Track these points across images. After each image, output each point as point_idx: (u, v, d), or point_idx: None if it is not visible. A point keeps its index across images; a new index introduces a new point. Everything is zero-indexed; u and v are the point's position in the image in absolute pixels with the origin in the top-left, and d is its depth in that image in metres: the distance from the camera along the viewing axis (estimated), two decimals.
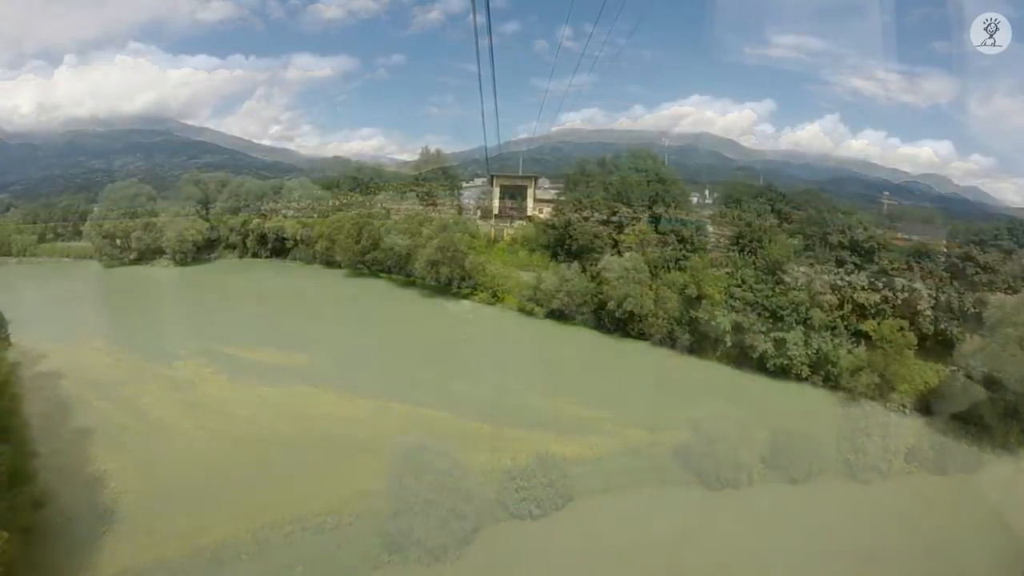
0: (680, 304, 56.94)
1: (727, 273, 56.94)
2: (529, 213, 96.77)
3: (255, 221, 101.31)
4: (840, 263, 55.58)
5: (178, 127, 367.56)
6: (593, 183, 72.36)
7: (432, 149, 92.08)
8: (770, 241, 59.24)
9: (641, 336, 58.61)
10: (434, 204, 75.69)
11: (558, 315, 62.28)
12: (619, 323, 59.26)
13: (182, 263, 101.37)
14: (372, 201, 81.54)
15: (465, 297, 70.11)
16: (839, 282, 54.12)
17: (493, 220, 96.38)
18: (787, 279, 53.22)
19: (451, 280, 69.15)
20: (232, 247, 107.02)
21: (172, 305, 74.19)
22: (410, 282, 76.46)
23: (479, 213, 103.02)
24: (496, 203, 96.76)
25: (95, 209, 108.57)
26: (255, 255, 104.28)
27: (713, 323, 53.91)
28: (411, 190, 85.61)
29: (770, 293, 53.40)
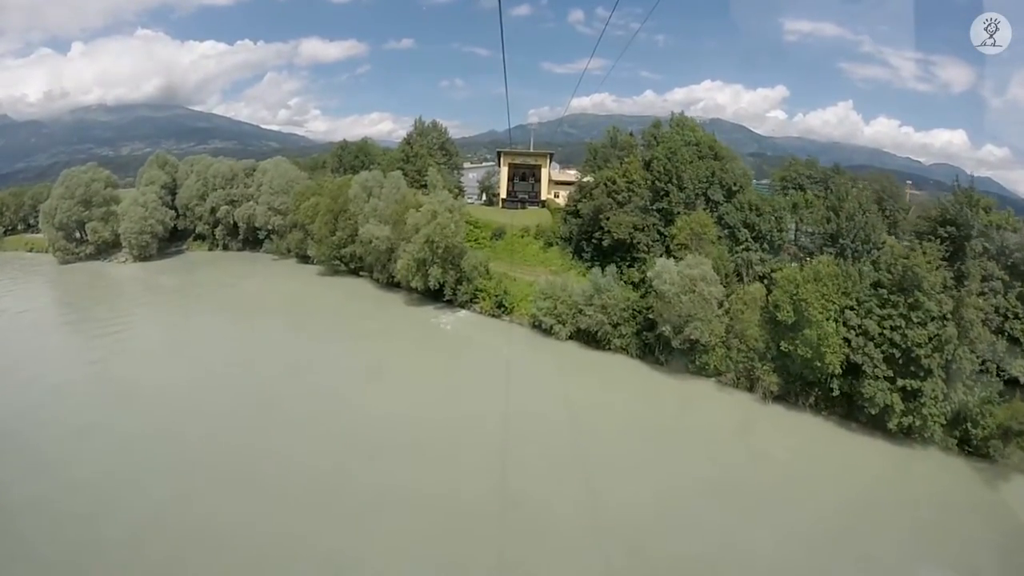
0: (765, 331, 38.42)
1: (835, 290, 37.91)
2: (543, 197, 78.08)
3: (223, 208, 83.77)
4: (985, 279, 36.76)
5: (186, 113, 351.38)
6: (629, 158, 53.13)
7: (428, 121, 73.15)
8: (882, 244, 40.52)
9: (702, 370, 40.24)
10: (424, 186, 56.99)
11: (586, 337, 43.96)
12: (673, 351, 40.87)
13: (142, 258, 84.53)
14: (348, 183, 63.28)
15: (463, 306, 52.06)
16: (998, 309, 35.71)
17: (500, 205, 78.01)
18: (928, 304, 34.08)
19: (443, 285, 50.92)
20: (202, 238, 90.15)
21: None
22: (397, 283, 58.26)
23: (484, 198, 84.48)
24: (504, 185, 78.05)
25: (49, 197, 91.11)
26: (226, 247, 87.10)
27: (818, 363, 35.37)
28: (400, 168, 66.96)
29: (899, 323, 34.48)
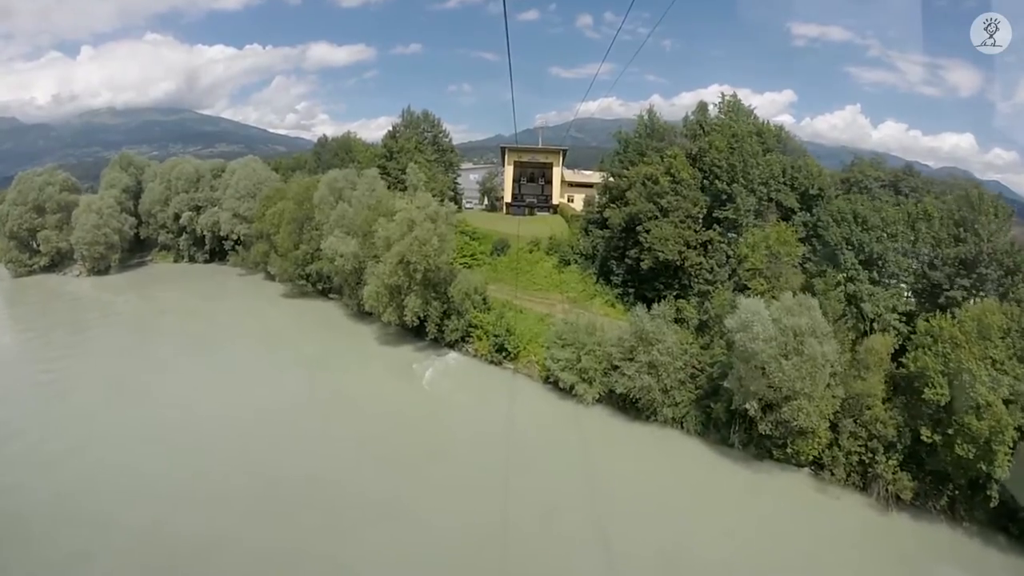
0: (894, 408, 24.01)
1: (1008, 352, 23.31)
2: (555, 201, 63.79)
3: (186, 214, 70.36)
4: None
5: (195, 117, 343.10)
6: (669, 150, 38.56)
7: (418, 111, 59.05)
8: None
9: (791, 457, 25.85)
10: (404, 186, 42.73)
11: (623, 401, 29.52)
12: (753, 431, 26.43)
13: (97, 271, 71.47)
14: (314, 184, 49.50)
15: (452, 345, 37.89)
16: None
17: (505, 210, 64.00)
18: None
19: (424, 319, 36.78)
20: (168, 248, 76.90)
21: None
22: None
23: (486, 202, 70.32)
24: (509, 187, 63.85)
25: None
26: (192, 259, 73.74)
27: (983, 465, 21.02)
28: (381, 165, 53.02)
29: None
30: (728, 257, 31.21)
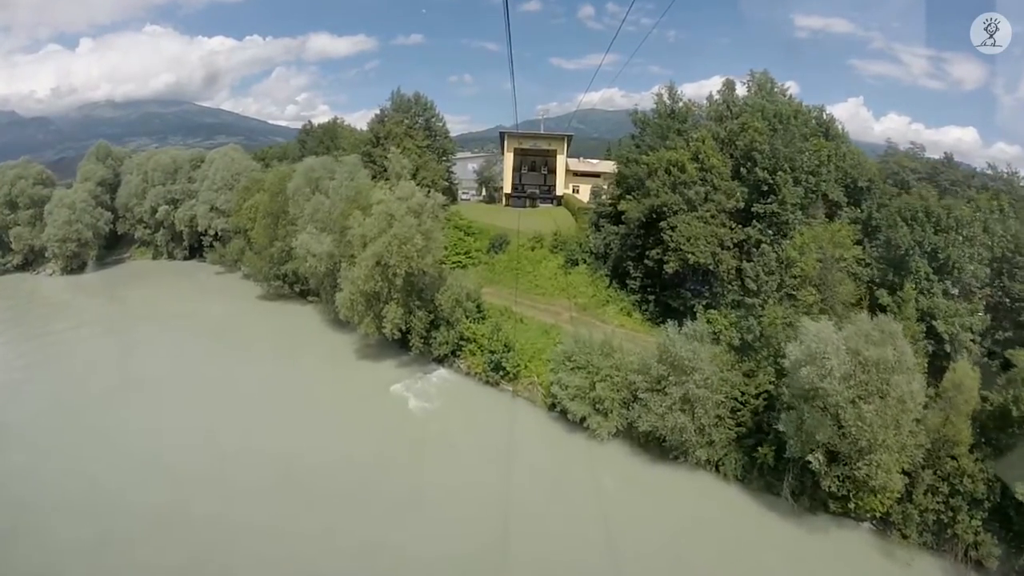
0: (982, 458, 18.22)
1: None
2: (559, 192, 57.54)
3: (162, 208, 64.49)
4: None
5: (195, 109, 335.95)
6: (695, 132, 32.30)
7: (409, 94, 52.57)
8: None
9: (851, 510, 20.13)
10: (386, 174, 36.54)
11: (645, 437, 23.66)
12: (807, 483, 20.64)
13: (71, 270, 66.07)
14: (290, 173, 43.50)
15: (441, 360, 32.05)
16: None
17: (504, 202, 57.79)
18: None
19: (408, 331, 30.94)
20: (147, 245, 71.19)
21: None
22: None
23: (483, 193, 64.05)
24: (509, 177, 57.56)
25: None
26: (171, 255, 68.09)
27: None
28: (366, 152, 46.86)
29: None
30: (779, 262, 25.05)
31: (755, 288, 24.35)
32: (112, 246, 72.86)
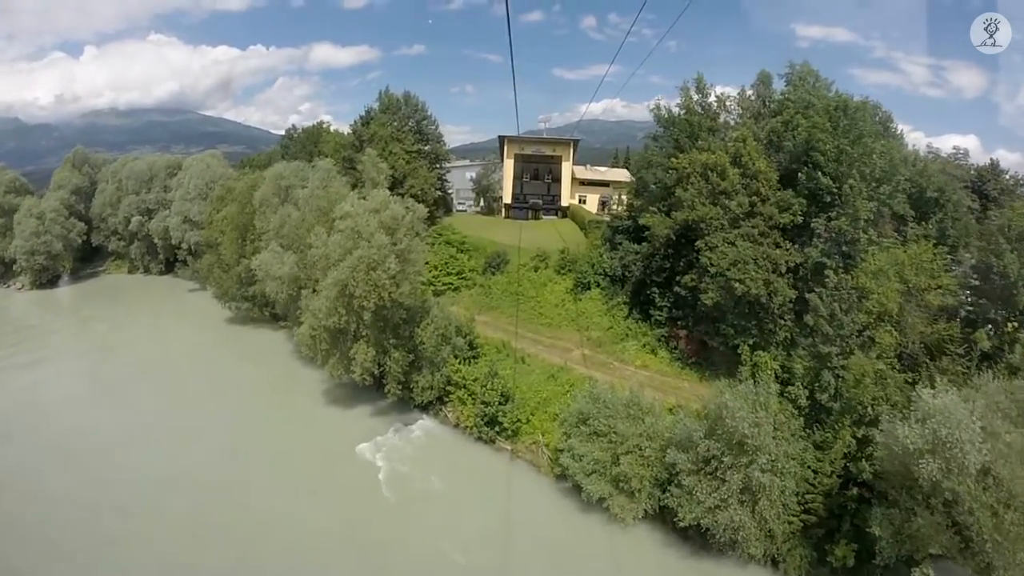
0: None
1: None
2: (564, 203, 51.63)
3: (135, 219, 58.91)
4: None
5: (197, 117, 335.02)
6: (734, 132, 26.41)
7: (398, 94, 46.97)
8: None
9: None
10: (362, 180, 30.60)
11: (681, 525, 17.44)
12: None
13: (41, 284, 60.61)
14: (259, 181, 37.83)
15: (426, 407, 25.90)
16: None
17: (504, 213, 51.85)
18: None
19: (381, 375, 24.85)
20: (122, 257, 65.64)
21: None
22: None
23: (481, 203, 58.18)
24: (509, 186, 51.68)
25: None
26: (147, 269, 62.48)
27: None
28: (347, 157, 41.06)
29: None
30: (857, 295, 18.83)
31: (829, 331, 18.19)
32: (89, 258, 67.46)
